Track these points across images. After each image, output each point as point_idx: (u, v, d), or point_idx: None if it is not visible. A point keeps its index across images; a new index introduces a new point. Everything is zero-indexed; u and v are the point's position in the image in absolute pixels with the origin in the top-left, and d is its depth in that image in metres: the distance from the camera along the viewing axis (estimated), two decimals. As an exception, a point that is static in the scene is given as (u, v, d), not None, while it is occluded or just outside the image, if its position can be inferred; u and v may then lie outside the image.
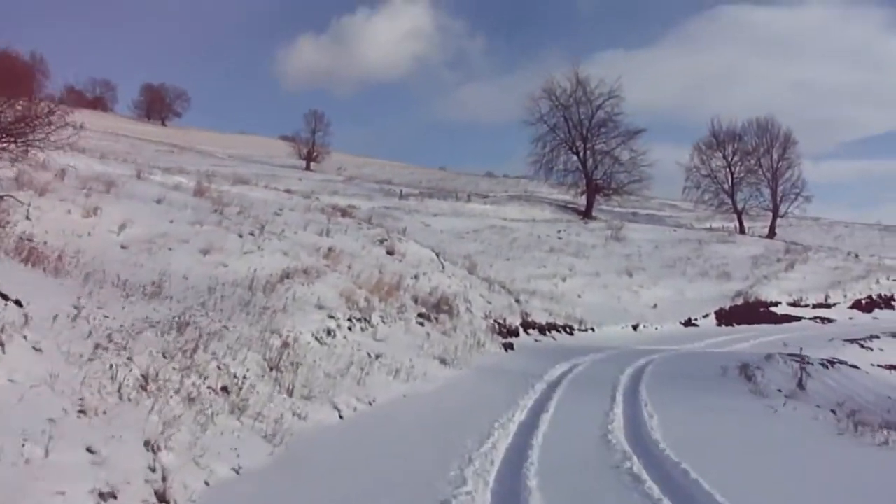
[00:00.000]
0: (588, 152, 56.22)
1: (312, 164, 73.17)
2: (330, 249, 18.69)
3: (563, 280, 30.67)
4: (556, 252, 34.65)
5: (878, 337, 25.25)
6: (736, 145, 59.32)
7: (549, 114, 56.67)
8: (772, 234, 53.37)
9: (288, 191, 32.77)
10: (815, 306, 33.94)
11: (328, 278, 16.09)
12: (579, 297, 29.42)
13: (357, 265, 18.48)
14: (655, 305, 29.94)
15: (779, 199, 57.59)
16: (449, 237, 34.35)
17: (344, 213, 27.51)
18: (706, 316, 30.17)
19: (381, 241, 22.63)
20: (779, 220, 56.84)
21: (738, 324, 30.40)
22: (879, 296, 36.38)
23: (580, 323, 25.61)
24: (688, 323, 29.25)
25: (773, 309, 32.66)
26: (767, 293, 33.20)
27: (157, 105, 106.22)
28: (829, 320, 32.51)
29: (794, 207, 57.27)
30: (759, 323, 30.79)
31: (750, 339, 25.13)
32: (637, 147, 56.32)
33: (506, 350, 18.42)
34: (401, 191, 52.77)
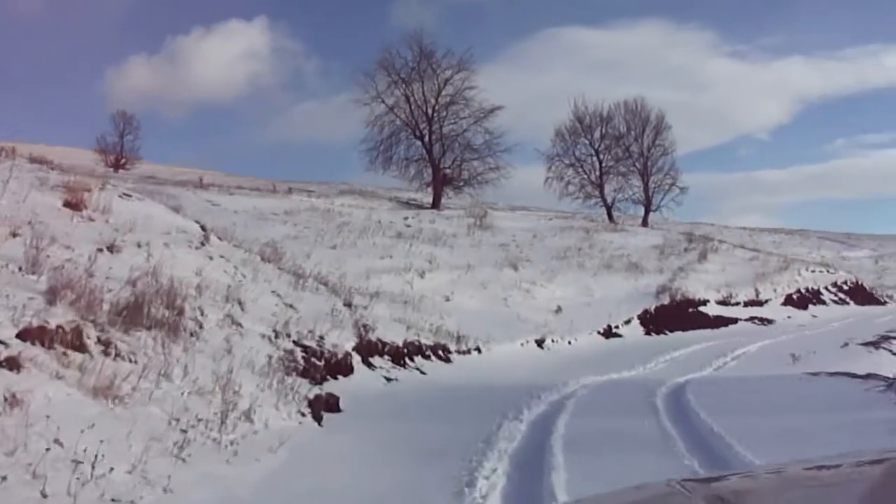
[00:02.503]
0: (434, 136, 46.10)
1: (121, 171, 57.93)
2: None
3: (422, 275, 20.13)
4: (406, 239, 24.09)
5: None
6: (604, 130, 51.51)
7: (386, 91, 45.94)
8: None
9: None
10: (746, 304, 25.77)
11: None
12: (448, 299, 19.02)
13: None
14: (559, 309, 20.13)
15: (651, 190, 50.47)
16: (246, 219, 22.82)
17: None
18: (628, 321, 20.77)
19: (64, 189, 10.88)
20: (652, 221, 49.48)
21: (671, 330, 21.29)
22: (808, 289, 29.07)
23: (458, 340, 15.17)
24: (609, 333, 19.65)
25: (702, 309, 24.00)
26: (693, 289, 24.50)
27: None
28: (768, 321, 24.49)
29: (669, 200, 50.24)
30: (692, 327, 21.94)
31: (712, 357, 15.77)
32: (493, 128, 46.48)
33: (315, 417, 7.44)
34: (200, 178, 40.29)
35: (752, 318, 24.45)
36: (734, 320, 23.75)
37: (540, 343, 17.15)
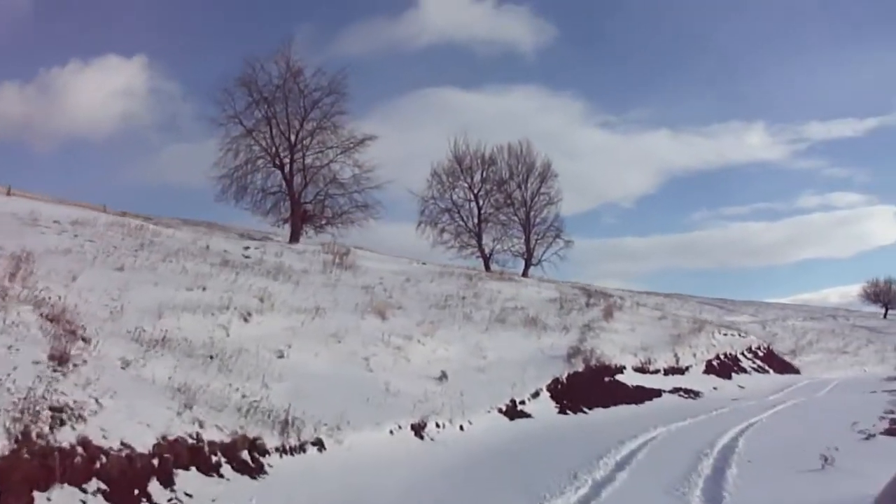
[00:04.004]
0: (296, 166, 39.51)
1: None
2: None
3: (246, 318, 13.53)
4: (234, 268, 17.38)
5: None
6: (485, 173, 46.56)
7: (246, 112, 38.94)
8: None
9: None
10: (666, 372, 20.92)
11: None
12: (282, 355, 12.52)
13: None
14: (444, 375, 14.11)
15: (533, 242, 45.91)
16: (9, 222, 15.42)
17: None
18: (536, 394, 15.02)
19: None
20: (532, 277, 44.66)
21: (588, 406, 15.76)
22: (726, 355, 24.83)
23: (286, 428, 8.76)
24: (513, 411, 13.77)
25: (620, 378, 18.81)
26: (609, 352, 19.32)
27: None
28: (694, 393, 19.75)
29: (552, 254, 45.74)
30: (612, 402, 16.61)
31: (680, 457, 10.28)
32: (363, 162, 40.13)
33: None
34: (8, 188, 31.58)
35: (676, 390, 19.53)
36: (657, 392, 18.69)
37: (419, 430, 11.01)
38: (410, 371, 14.17)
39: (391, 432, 10.52)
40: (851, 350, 41.38)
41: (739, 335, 28.20)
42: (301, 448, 8.72)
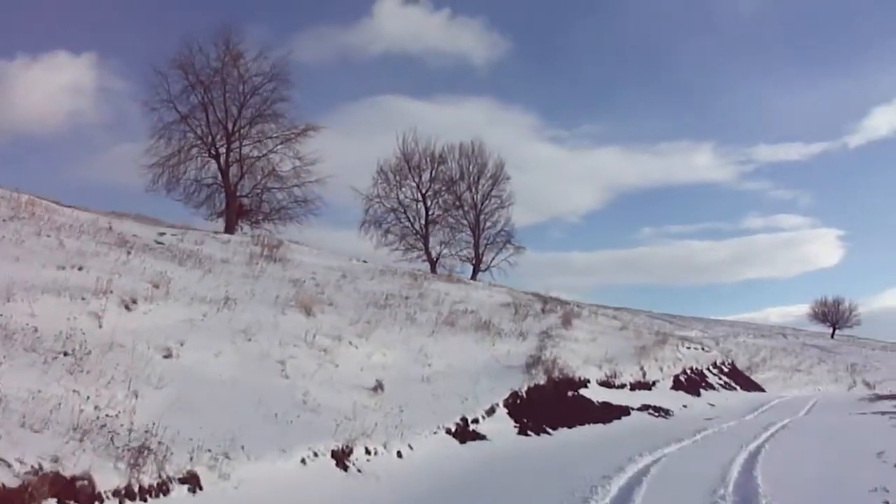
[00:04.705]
0: (233, 157, 36.18)
1: None
2: None
3: (129, 306, 10.58)
4: (133, 250, 14.31)
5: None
6: (434, 172, 43.89)
7: (181, 96, 35.45)
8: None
9: None
10: (633, 387, 18.64)
11: None
12: (170, 354, 9.63)
13: None
14: (379, 386, 11.38)
15: (483, 247, 43.45)
16: None
17: None
18: (492, 411, 12.42)
19: None
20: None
21: (552, 425, 13.27)
22: (693, 370, 22.75)
23: (137, 457, 5.88)
24: (465, 432, 11.15)
25: (584, 392, 16.40)
26: (572, 363, 16.90)
27: None
28: (664, 411, 17.58)
29: (502, 260, 43.35)
30: (578, 421, 14.18)
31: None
32: (305, 154, 37.00)
33: None
34: None
35: (645, 408, 17.23)
36: (625, 410, 16.36)
37: (342, 457, 8.29)
38: (338, 379, 11.42)
39: (303, 461, 7.78)
40: (804, 368, 40.30)
41: (703, 349, 26.24)
42: (161, 489, 5.92)
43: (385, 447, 9.17)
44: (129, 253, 13.59)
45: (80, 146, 76.26)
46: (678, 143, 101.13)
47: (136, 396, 7.80)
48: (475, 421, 11.67)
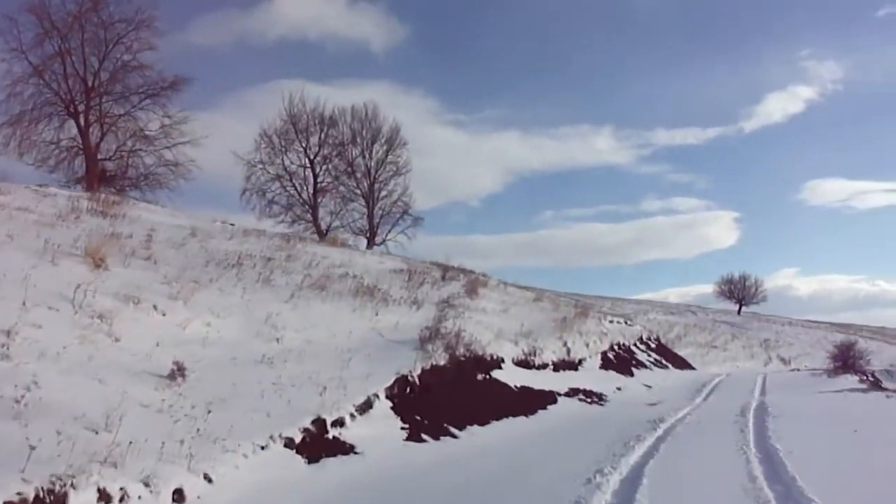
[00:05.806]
0: (93, 115, 30.15)
1: None
2: None
3: None
4: None
5: None
6: (323, 136, 38.89)
7: (34, 45, 29.21)
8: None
9: None
10: (556, 366, 14.88)
11: None
12: None
13: None
14: (179, 371, 6.93)
15: (377, 217, 39.01)
16: None
17: None
18: (368, 405, 8.20)
19: None
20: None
21: (457, 423, 9.18)
22: (620, 346, 19.30)
23: None
24: (320, 441, 6.89)
25: (498, 375, 12.41)
26: (481, 337, 12.92)
27: None
28: (597, 396, 13.94)
29: (399, 232, 39.06)
30: (492, 414, 10.20)
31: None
32: (174, 112, 31.26)
33: None
34: None
35: (574, 392, 13.53)
36: (551, 397, 12.55)
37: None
38: (111, 359, 6.93)
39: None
40: (720, 344, 38.35)
41: (626, 323, 22.98)
42: None
43: (148, 484, 4.81)
44: None
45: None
46: (579, 126, 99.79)
47: None
48: (338, 423, 7.42)
